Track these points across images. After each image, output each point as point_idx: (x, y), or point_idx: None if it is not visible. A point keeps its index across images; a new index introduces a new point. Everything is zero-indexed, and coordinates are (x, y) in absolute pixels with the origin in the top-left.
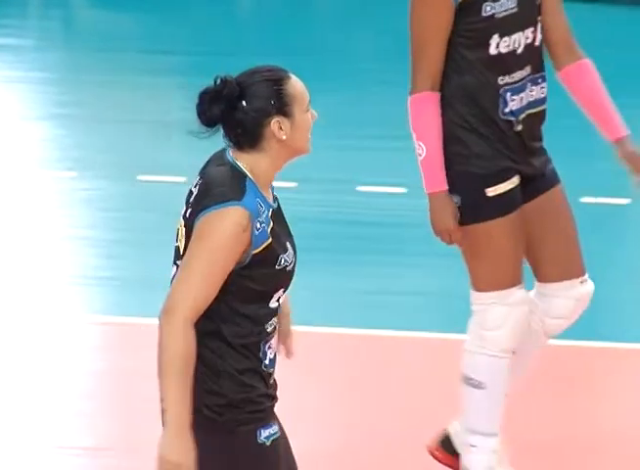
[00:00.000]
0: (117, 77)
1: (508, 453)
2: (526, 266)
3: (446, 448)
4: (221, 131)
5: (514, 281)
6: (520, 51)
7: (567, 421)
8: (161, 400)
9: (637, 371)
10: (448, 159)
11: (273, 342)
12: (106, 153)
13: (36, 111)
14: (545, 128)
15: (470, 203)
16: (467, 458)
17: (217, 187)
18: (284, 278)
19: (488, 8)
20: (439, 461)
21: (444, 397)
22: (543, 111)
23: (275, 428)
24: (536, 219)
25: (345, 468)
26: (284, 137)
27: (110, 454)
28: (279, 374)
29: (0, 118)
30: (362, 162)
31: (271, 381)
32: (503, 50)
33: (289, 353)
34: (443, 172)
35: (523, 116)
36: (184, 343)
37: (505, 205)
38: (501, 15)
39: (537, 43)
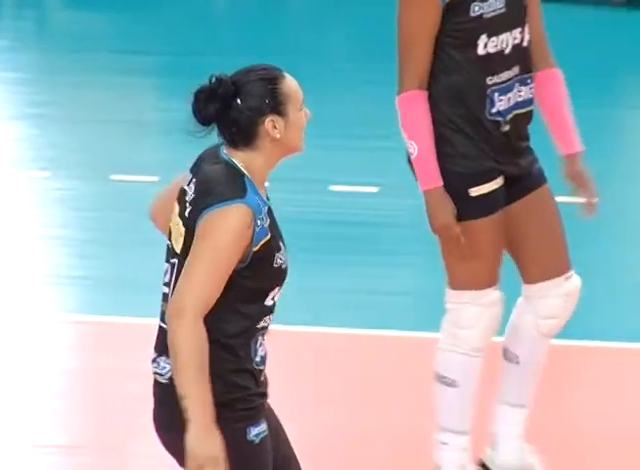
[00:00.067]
0: (91, 78)
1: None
2: (505, 268)
3: None
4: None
5: (490, 282)
6: (507, 51)
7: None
8: (182, 398)
9: (603, 368)
10: None
11: (265, 339)
12: (79, 152)
13: (10, 111)
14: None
15: (453, 202)
16: (438, 456)
17: (218, 185)
18: (279, 276)
19: (477, 8)
20: None
21: (427, 395)
22: (530, 111)
23: (264, 426)
24: (523, 219)
25: (328, 468)
26: (278, 136)
27: (83, 452)
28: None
29: None
30: (335, 161)
31: (262, 378)
32: (491, 50)
33: None
34: (437, 169)
35: (510, 116)
36: (197, 341)
37: (488, 205)
38: (489, 15)
39: (525, 44)
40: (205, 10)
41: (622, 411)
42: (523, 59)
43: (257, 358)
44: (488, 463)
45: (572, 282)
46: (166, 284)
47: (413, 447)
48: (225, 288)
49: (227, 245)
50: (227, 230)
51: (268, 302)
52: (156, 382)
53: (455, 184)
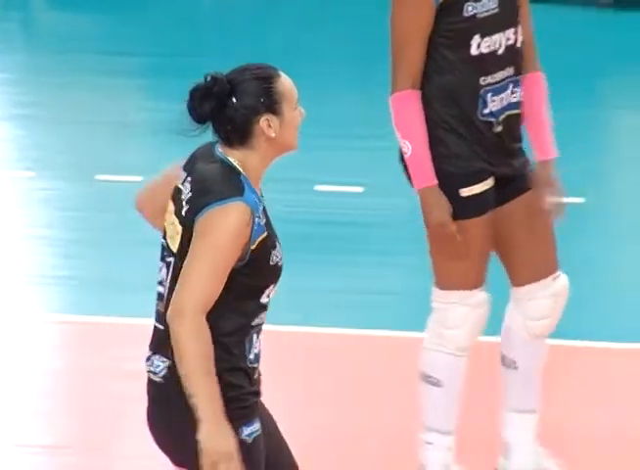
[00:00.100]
0: (76, 79)
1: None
2: (494, 270)
3: None
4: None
5: (477, 283)
6: (501, 52)
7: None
8: (191, 397)
9: (588, 368)
10: None
11: (259, 337)
12: (64, 153)
13: None
14: None
15: None
16: (423, 455)
17: (215, 184)
18: (275, 274)
19: (470, 8)
20: None
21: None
22: (523, 112)
23: (257, 425)
24: (513, 221)
25: (318, 468)
26: (273, 134)
27: (68, 452)
28: None
29: None
30: (320, 161)
31: (255, 376)
32: (484, 50)
33: None
34: (432, 167)
35: (502, 117)
36: (200, 340)
37: (478, 206)
38: (482, 15)
39: (519, 45)
40: (190, 11)
41: (610, 411)
42: (516, 60)
43: (251, 356)
44: None
45: (560, 282)
46: (161, 283)
47: (404, 447)
48: (223, 286)
49: (227, 243)
50: (226, 229)
51: (263, 299)
52: (149, 380)
53: (446, 184)
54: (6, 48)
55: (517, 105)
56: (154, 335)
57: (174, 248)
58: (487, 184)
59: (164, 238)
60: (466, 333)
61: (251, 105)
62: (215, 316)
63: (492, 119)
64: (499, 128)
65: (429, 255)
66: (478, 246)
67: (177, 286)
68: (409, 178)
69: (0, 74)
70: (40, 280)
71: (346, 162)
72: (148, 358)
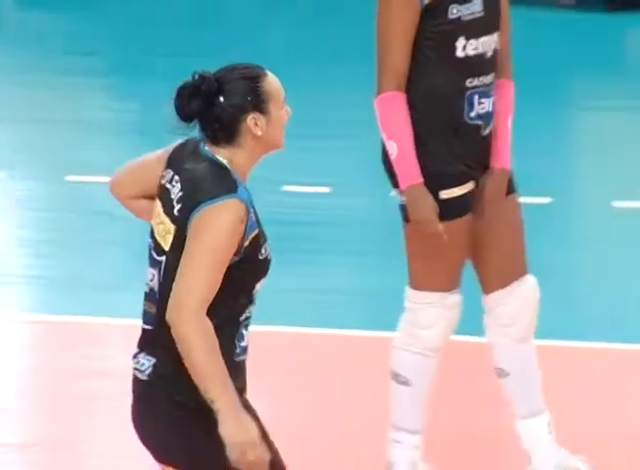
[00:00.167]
0: (42, 78)
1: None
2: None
3: None
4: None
5: (452, 285)
6: (489, 55)
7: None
8: (205, 393)
9: (554, 367)
10: None
11: (247, 330)
12: (34, 153)
13: None
14: None
15: None
16: (391, 453)
17: (207, 182)
18: (265, 267)
19: (455, 10)
20: None
21: (372, 394)
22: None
23: None
24: (487, 227)
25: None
26: (260, 133)
27: (36, 451)
28: None
29: None
30: (288, 161)
31: (241, 371)
32: (470, 53)
33: None
34: (417, 166)
35: (490, 121)
36: (205, 335)
37: (457, 208)
38: (467, 18)
39: (497, 50)
40: (152, 9)
41: (581, 411)
42: (497, 65)
43: (238, 350)
44: None
45: (528, 283)
46: (150, 283)
47: (374, 446)
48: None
49: (223, 241)
50: (222, 226)
51: (252, 293)
52: (135, 378)
53: (427, 186)
54: None
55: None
56: (141, 335)
57: (166, 246)
58: (467, 187)
59: (152, 237)
60: (438, 334)
61: (239, 103)
62: (208, 313)
63: (480, 122)
64: (486, 132)
65: (405, 255)
66: (453, 249)
67: (175, 286)
68: (392, 180)
69: None
70: (11, 280)
71: (314, 162)
72: (134, 356)
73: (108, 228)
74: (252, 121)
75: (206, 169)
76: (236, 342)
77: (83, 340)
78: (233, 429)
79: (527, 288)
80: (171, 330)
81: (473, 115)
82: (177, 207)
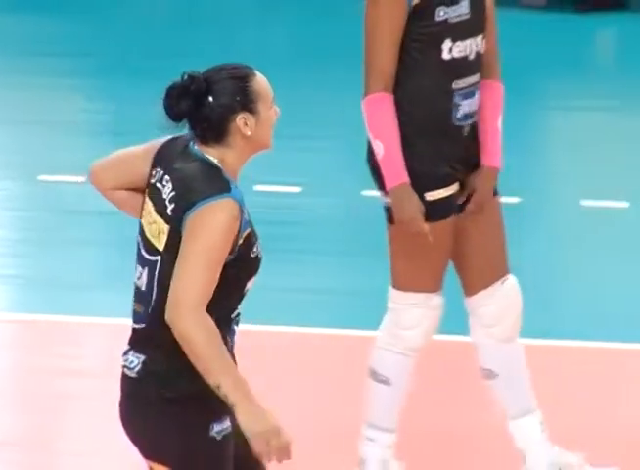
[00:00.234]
0: (15, 79)
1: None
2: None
3: None
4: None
5: (436, 286)
6: (472, 57)
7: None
8: (217, 388)
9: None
10: None
11: (237, 326)
12: (8, 153)
13: None
14: None
15: None
16: (363, 450)
17: (199, 181)
18: (257, 265)
19: (442, 12)
20: None
21: (350, 392)
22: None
23: (227, 423)
24: (470, 230)
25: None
26: (249, 133)
27: (12, 450)
28: None
29: None
30: (259, 161)
31: None
32: (456, 55)
33: None
34: (404, 166)
35: (471, 120)
36: (207, 331)
37: (442, 210)
38: (454, 20)
39: (483, 52)
40: (131, 11)
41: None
42: (481, 67)
43: (229, 345)
44: None
45: (509, 283)
46: (139, 281)
47: (344, 442)
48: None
49: (218, 240)
50: (217, 226)
51: (244, 291)
52: (124, 375)
53: (413, 186)
54: None
55: (475, 113)
56: (131, 334)
57: (160, 246)
58: (452, 189)
59: (142, 236)
60: (420, 334)
61: (228, 103)
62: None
63: (463, 124)
64: (467, 132)
65: (386, 255)
66: (437, 250)
67: (172, 285)
68: (377, 181)
69: None
70: None
71: (285, 162)
72: (124, 354)
73: (82, 227)
74: (242, 121)
75: (198, 169)
76: (228, 338)
77: (59, 339)
78: (252, 420)
79: (509, 288)
80: (172, 330)
81: (459, 116)
82: (170, 207)
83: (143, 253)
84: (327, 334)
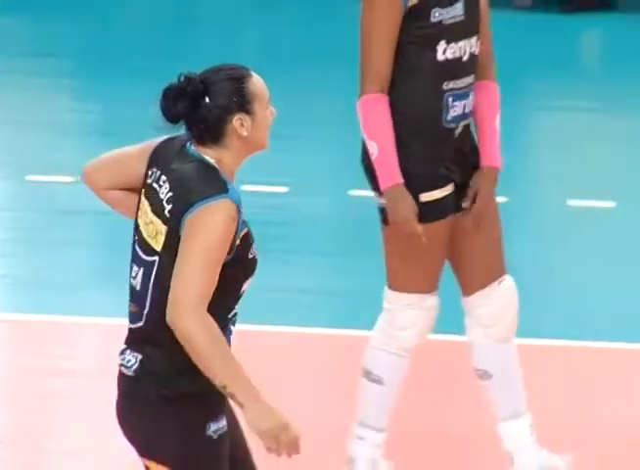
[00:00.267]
0: (4, 79)
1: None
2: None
3: None
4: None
5: (431, 287)
6: (465, 59)
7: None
8: (223, 388)
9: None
10: None
11: (234, 326)
12: None
13: None
14: None
15: None
16: (353, 449)
17: (196, 182)
18: (254, 266)
19: (437, 14)
20: None
21: (335, 391)
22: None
23: (224, 423)
24: (464, 229)
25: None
26: (245, 134)
27: (5, 449)
28: None
29: None
30: (245, 161)
31: None
32: (449, 56)
33: None
34: (397, 167)
35: (460, 126)
36: (209, 330)
37: (437, 211)
38: (449, 21)
39: (477, 53)
40: (119, 13)
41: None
42: (476, 68)
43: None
44: None
45: (506, 283)
46: (134, 280)
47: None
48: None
49: (217, 240)
50: (216, 226)
51: (241, 291)
52: (121, 374)
53: (407, 188)
54: None
55: (470, 114)
56: (128, 334)
57: (158, 247)
58: (447, 190)
59: (138, 236)
60: (414, 335)
61: (224, 104)
62: None
63: (453, 125)
64: (457, 135)
65: (383, 255)
66: (432, 251)
67: (172, 286)
68: (372, 183)
69: None
70: None
71: (271, 162)
72: (120, 353)
73: (71, 227)
74: (238, 122)
75: (195, 170)
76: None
77: (48, 339)
78: (261, 418)
79: (506, 288)
80: (174, 330)
81: (449, 118)
82: (168, 207)
83: (139, 253)
84: (312, 333)
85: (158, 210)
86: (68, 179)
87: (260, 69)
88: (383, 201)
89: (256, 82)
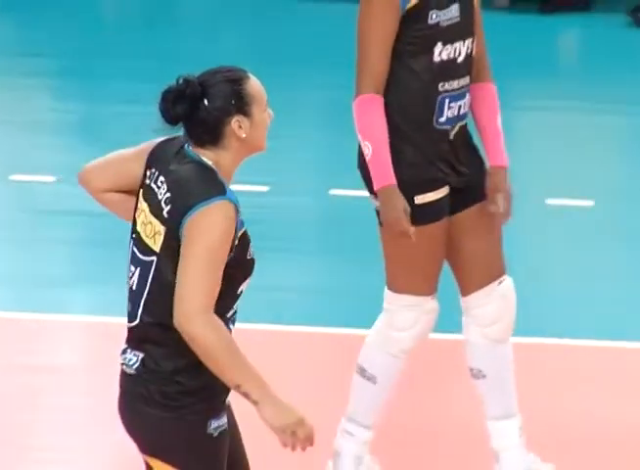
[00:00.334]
0: None
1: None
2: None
3: None
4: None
5: (429, 289)
6: (460, 60)
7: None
8: (237, 387)
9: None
10: None
11: (233, 325)
12: None
13: None
14: None
15: None
16: (339, 443)
17: (195, 184)
18: (251, 267)
19: (434, 16)
20: None
21: (319, 388)
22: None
23: (224, 420)
24: (462, 230)
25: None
26: (243, 135)
27: None
28: None
29: None
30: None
31: None
32: (444, 57)
33: None
34: (391, 168)
35: (460, 123)
36: (218, 332)
37: (432, 213)
38: (445, 23)
39: (473, 55)
40: (103, 12)
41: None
42: (472, 70)
43: None
44: None
45: (505, 284)
46: (131, 280)
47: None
48: None
49: (219, 242)
50: (216, 228)
51: (239, 291)
52: (122, 373)
53: (402, 189)
54: None
55: (466, 115)
56: (127, 334)
57: (156, 248)
58: (442, 192)
59: (137, 236)
60: (412, 337)
61: (223, 107)
62: None
63: (448, 127)
64: (452, 137)
65: (383, 257)
66: (429, 252)
67: (176, 290)
68: (367, 184)
69: None
70: None
71: (252, 161)
72: (122, 352)
73: (53, 226)
74: (237, 124)
75: (193, 171)
76: None
77: (26, 336)
78: (277, 415)
79: (506, 289)
80: (182, 334)
81: (442, 120)
82: (166, 208)
83: (136, 252)
84: (294, 331)
85: (156, 210)
86: (51, 179)
87: (248, 67)
88: (378, 203)
89: (254, 85)
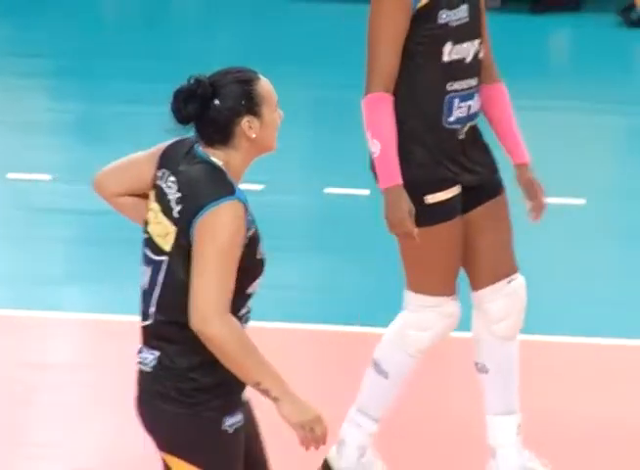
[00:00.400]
0: None
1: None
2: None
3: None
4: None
5: (447, 289)
6: (469, 60)
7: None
8: (257, 384)
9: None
10: None
11: (246, 324)
12: None
13: None
14: None
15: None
16: (346, 432)
17: (205, 184)
18: (262, 266)
19: (444, 15)
20: None
21: (314, 386)
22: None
23: (240, 416)
24: (475, 228)
25: None
26: (254, 136)
27: None
28: None
29: None
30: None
31: None
32: (454, 57)
33: None
34: (398, 167)
35: (471, 123)
36: (235, 333)
37: (444, 212)
38: (455, 23)
39: (481, 56)
40: (99, 12)
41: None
42: (480, 70)
43: None
44: None
45: (516, 282)
46: (144, 281)
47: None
48: None
49: (229, 242)
50: (226, 228)
51: (249, 291)
52: (139, 371)
53: (411, 191)
54: None
55: (477, 115)
56: (141, 332)
57: (167, 247)
58: (453, 191)
59: (148, 236)
60: (429, 337)
61: (233, 107)
62: None
63: (457, 127)
64: (462, 136)
65: (400, 256)
66: (443, 252)
67: (191, 292)
68: (377, 181)
69: None
70: None
71: None
72: (138, 352)
73: (49, 224)
74: (247, 124)
75: (203, 172)
76: None
77: (21, 333)
78: (296, 411)
79: (518, 286)
80: (200, 336)
81: (451, 119)
82: (177, 208)
83: (148, 252)
84: (289, 329)
85: (167, 210)
86: (47, 177)
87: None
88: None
89: (265, 85)
